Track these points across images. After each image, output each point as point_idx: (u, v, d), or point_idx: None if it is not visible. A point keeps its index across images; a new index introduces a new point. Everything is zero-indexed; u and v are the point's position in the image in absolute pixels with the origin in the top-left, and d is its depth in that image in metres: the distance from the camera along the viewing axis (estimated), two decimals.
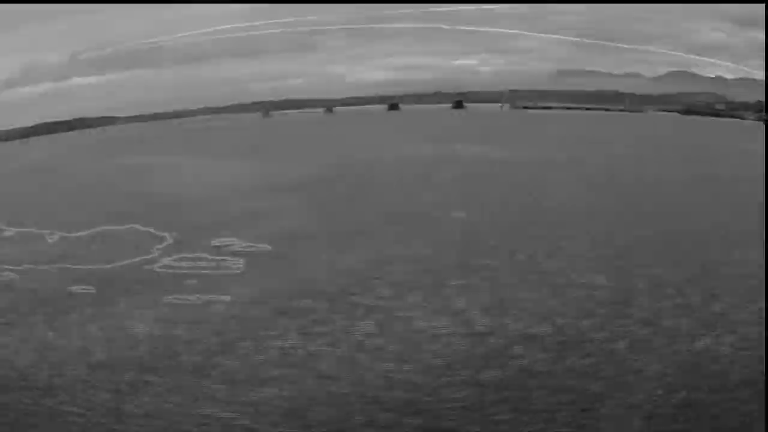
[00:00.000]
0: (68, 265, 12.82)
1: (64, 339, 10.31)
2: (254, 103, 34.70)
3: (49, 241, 14.24)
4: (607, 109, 34.88)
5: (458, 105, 36.98)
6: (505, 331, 10.48)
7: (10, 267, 12.70)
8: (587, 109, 34.90)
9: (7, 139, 24.24)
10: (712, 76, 34.96)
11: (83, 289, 11.72)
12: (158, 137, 35.93)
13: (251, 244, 13.38)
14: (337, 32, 29.90)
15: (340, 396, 9.14)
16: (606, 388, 9.06)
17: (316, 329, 10.36)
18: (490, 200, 18.35)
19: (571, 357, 9.79)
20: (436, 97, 36.90)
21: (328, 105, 34.71)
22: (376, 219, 15.87)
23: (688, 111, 34.25)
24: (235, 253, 12.97)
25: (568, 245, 13.88)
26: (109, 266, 12.75)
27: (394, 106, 36.74)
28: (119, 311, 10.98)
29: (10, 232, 14.73)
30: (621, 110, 35.29)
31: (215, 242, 13.55)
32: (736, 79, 34.50)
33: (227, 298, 11.24)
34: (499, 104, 36.99)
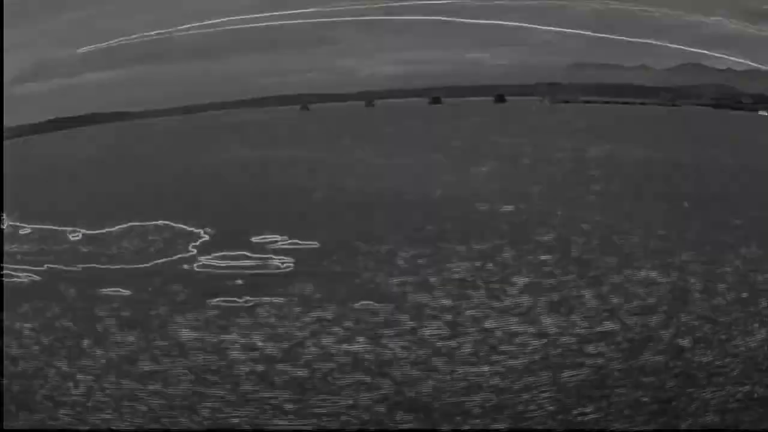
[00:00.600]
0: (96, 265, 12.11)
1: (101, 348, 9.78)
2: (267, 98, 34.05)
3: (72, 238, 13.75)
4: (643, 103, 34.70)
5: (500, 99, 36.58)
6: (575, 330, 10.29)
7: (30, 268, 11.90)
8: (624, 103, 34.67)
9: (18, 135, 23.64)
10: (723, 68, 35.05)
11: (115, 291, 10.95)
12: (221, 130, 34.19)
13: (297, 241, 13.01)
14: (347, 25, 29.50)
15: (421, 403, 8.87)
16: (680, 385, 8.93)
17: (383, 332, 10.39)
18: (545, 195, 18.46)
19: (643, 355, 9.64)
20: (455, 90, 36.37)
21: (367, 98, 34.09)
22: None
23: (719, 105, 34.15)
24: (279, 251, 12.67)
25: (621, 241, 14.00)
26: (141, 266, 12.15)
27: (436, 100, 36.27)
28: (161, 316, 10.10)
29: (26, 229, 14.09)
30: (658, 104, 35.09)
31: (256, 239, 13.23)
32: (745, 71, 34.56)
33: (279, 300, 10.64)
34: (539, 98, 36.66)
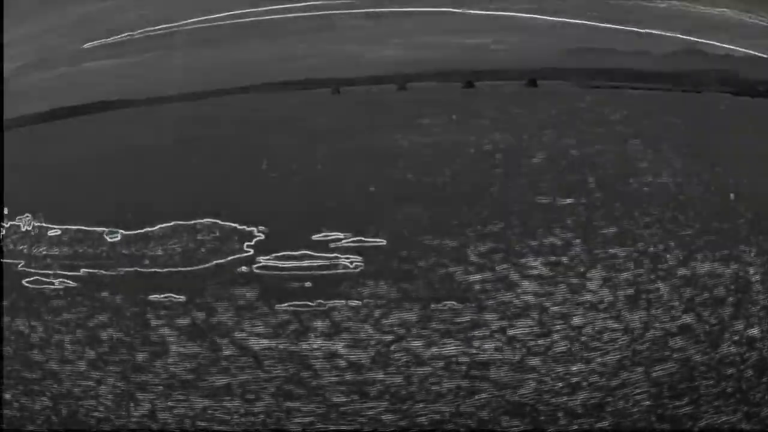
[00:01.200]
0: (140, 269, 12.27)
1: (160, 361, 9.67)
2: (279, 83, 33.16)
3: (110, 239, 13.06)
4: (669, 89, 33.36)
5: (532, 83, 35.13)
6: (657, 324, 10.04)
7: (65, 273, 11.92)
8: (649, 89, 33.28)
9: (23, 125, 22.83)
10: (722, 53, 33.75)
11: (167, 297, 11.16)
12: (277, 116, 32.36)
13: (362, 238, 12.39)
14: (352, 10, 28.53)
15: (524, 406, 8.56)
16: (756, 375, 8.75)
17: (471, 333, 9.99)
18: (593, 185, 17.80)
19: (721, 346, 9.43)
20: (484, 75, 35.51)
21: (399, 82, 33.02)
22: None
23: (738, 92, 33.08)
24: (344, 249, 12.07)
25: (681, 232, 13.60)
26: (193, 268, 12.07)
27: (469, 84, 34.74)
28: (223, 323, 10.47)
29: (56, 231, 13.36)
30: (683, 90, 33.96)
31: (316, 237, 12.46)
32: (744, 57, 33.39)
33: (356, 302, 10.68)
34: (568, 83, 35.67)
